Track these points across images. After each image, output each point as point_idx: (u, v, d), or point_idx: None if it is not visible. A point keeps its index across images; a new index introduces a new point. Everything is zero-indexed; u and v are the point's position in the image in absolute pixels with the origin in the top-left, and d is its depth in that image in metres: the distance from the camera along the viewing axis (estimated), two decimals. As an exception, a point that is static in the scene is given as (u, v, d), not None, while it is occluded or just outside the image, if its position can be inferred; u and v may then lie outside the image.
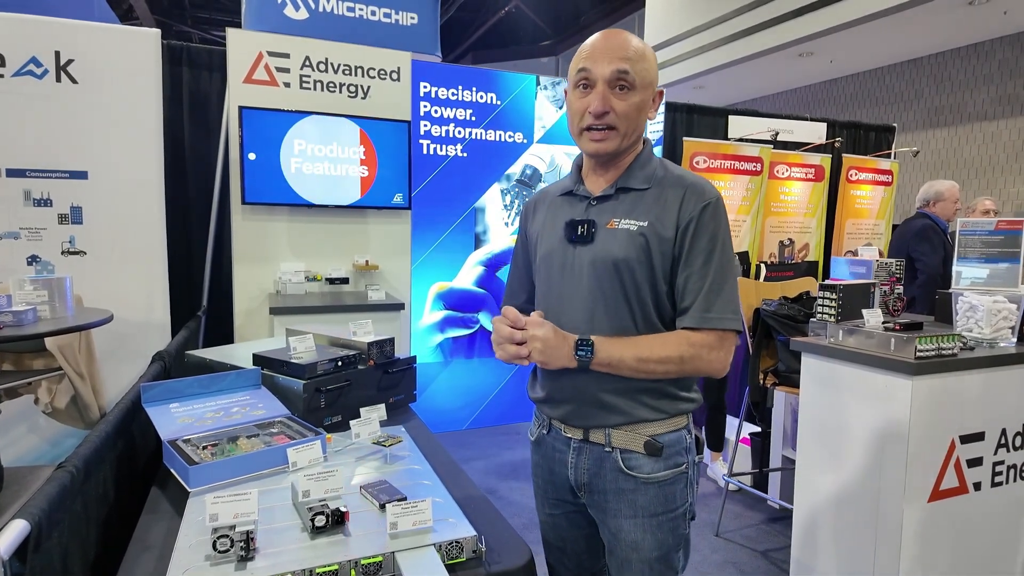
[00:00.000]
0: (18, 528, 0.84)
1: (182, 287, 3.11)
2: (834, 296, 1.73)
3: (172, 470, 1.32)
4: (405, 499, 1.15)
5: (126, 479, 1.41)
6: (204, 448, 1.35)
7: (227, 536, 0.96)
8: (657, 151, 1.37)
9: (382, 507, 1.12)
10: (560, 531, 1.26)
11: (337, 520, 1.06)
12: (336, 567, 0.95)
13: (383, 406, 1.63)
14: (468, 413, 3.71)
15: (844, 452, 1.70)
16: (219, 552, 0.96)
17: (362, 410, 1.58)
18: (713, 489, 2.87)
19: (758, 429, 2.96)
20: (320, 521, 1.04)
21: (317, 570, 0.94)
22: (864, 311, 1.72)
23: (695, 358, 1.11)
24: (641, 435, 1.14)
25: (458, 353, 3.69)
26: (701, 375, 1.16)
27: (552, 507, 1.27)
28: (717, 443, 3.07)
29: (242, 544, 0.96)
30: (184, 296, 3.13)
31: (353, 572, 0.96)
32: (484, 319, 3.73)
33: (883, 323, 1.72)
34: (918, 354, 1.56)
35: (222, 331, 3.08)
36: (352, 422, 1.45)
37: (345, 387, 1.71)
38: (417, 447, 1.46)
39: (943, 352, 1.58)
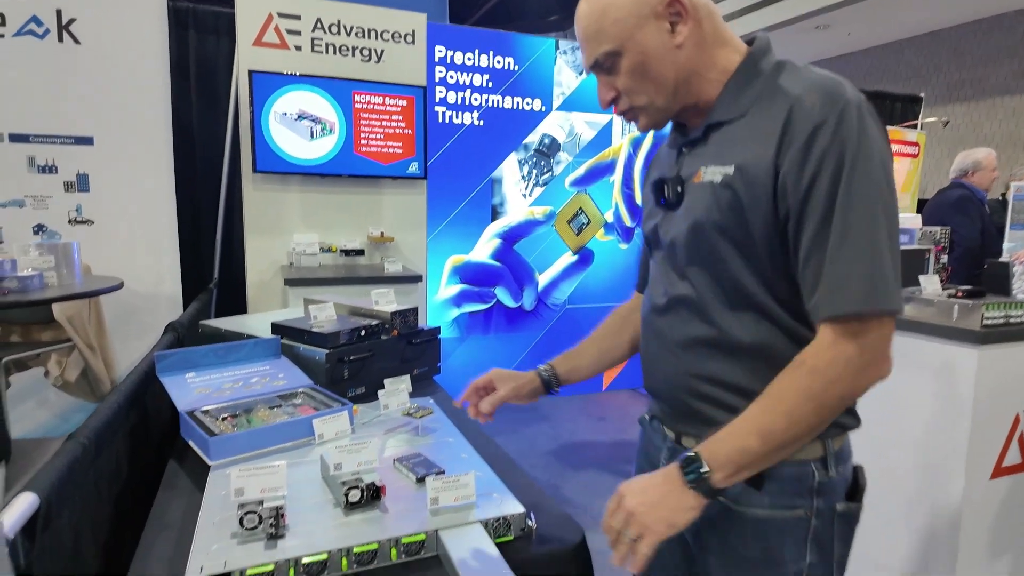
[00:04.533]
0: (26, 503, 0.75)
1: (192, 259, 3.02)
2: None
3: (190, 442, 1.23)
4: (443, 472, 1.07)
5: (141, 453, 1.33)
6: (223, 419, 1.27)
7: (254, 512, 0.88)
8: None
9: (419, 481, 1.04)
10: None
11: (372, 495, 0.97)
12: (375, 546, 0.86)
13: (408, 377, 1.54)
14: (484, 389, 3.64)
15: (900, 427, 1.61)
16: (246, 529, 0.87)
17: (387, 381, 1.49)
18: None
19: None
20: (354, 496, 0.95)
21: (355, 549, 0.85)
22: (921, 278, 1.61)
23: (836, 381, 0.72)
24: None
25: (475, 329, 3.60)
26: (863, 392, 0.76)
27: None
28: None
29: (272, 521, 0.87)
30: (194, 268, 3.04)
31: (394, 551, 0.87)
32: (501, 294, 3.63)
33: (942, 291, 1.61)
34: (985, 322, 1.45)
35: (235, 303, 3.00)
36: (380, 392, 1.36)
37: (368, 358, 1.62)
38: (449, 419, 1.37)
39: (1011, 320, 1.48)
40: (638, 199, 3.77)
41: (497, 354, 3.64)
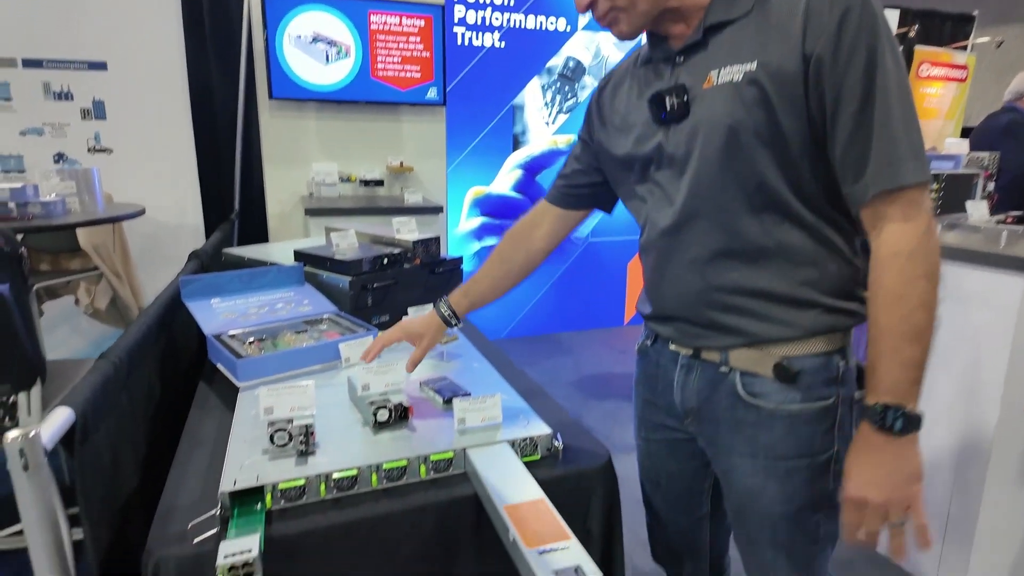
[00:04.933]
0: (62, 416, 0.76)
1: (213, 190, 3.01)
2: (936, 186, 1.53)
3: (219, 365, 1.25)
4: (469, 395, 1.06)
5: (171, 375, 1.35)
6: (250, 343, 1.28)
7: (284, 430, 0.89)
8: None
9: (446, 402, 1.04)
10: (657, 461, 1.03)
11: (400, 415, 0.97)
12: (404, 462, 0.87)
13: (431, 306, 1.53)
14: (505, 323, 3.65)
15: (938, 354, 1.57)
16: (277, 446, 0.88)
17: (410, 310, 1.48)
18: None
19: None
20: (383, 415, 0.96)
21: (385, 465, 0.86)
22: (967, 204, 1.53)
23: (933, 251, 0.73)
24: (771, 356, 0.83)
25: (495, 261, 3.58)
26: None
27: (651, 431, 1.03)
28: None
29: (301, 438, 0.88)
30: (215, 200, 3.03)
31: (423, 468, 0.88)
32: (522, 226, 3.57)
33: (989, 217, 1.53)
34: (1035, 249, 1.38)
35: (256, 234, 3.00)
36: (406, 319, 1.35)
37: (391, 286, 1.61)
38: (473, 346, 1.36)
39: (1062, 248, 1.40)
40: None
41: (518, 288, 3.62)
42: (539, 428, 0.95)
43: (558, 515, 0.73)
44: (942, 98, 4.76)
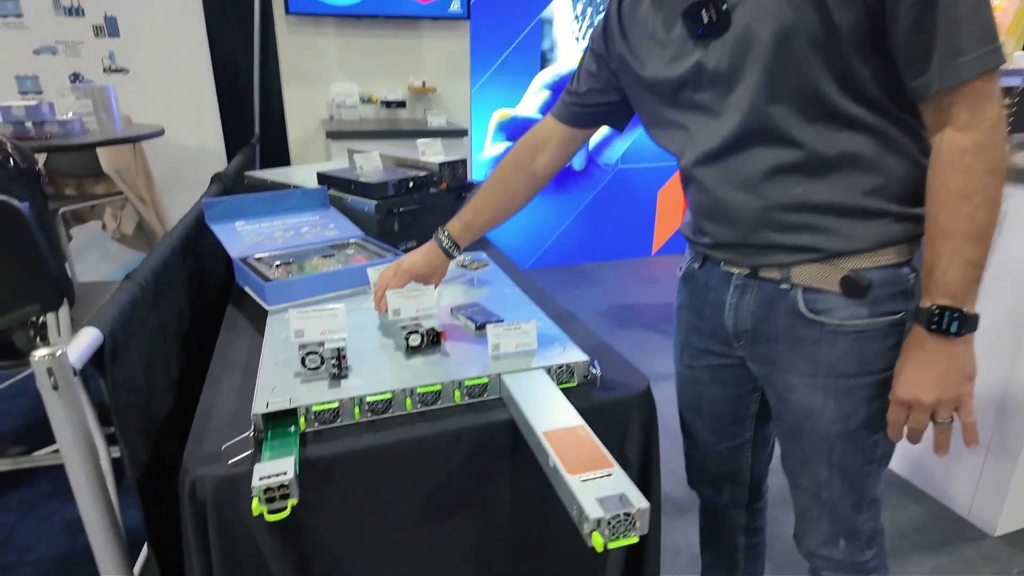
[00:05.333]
0: (90, 336, 0.75)
1: (232, 114, 2.93)
2: (1009, 101, 1.40)
3: (247, 288, 1.23)
4: (502, 321, 1.03)
5: (199, 299, 1.34)
6: (277, 267, 1.25)
7: (316, 353, 0.86)
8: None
9: (479, 328, 1.00)
10: (700, 387, 1.00)
11: (433, 340, 0.94)
12: (439, 387, 0.84)
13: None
14: (530, 252, 3.59)
15: (995, 290, 1.49)
16: (309, 369, 0.87)
17: (437, 234, 1.43)
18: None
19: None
20: (415, 340, 0.93)
21: (419, 389, 0.84)
22: (1042, 122, 1.39)
23: (1000, 144, 0.68)
24: (837, 270, 0.77)
25: (521, 188, 3.48)
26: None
27: (694, 357, 0.99)
28: None
29: (334, 361, 0.85)
30: (235, 124, 2.95)
31: (457, 393, 0.85)
32: (549, 152, 3.45)
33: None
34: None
35: (278, 158, 2.94)
36: (433, 243, 1.30)
37: (418, 211, 1.56)
38: (503, 272, 1.32)
39: None
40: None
41: (545, 216, 3.55)
42: (575, 355, 0.92)
43: (599, 442, 0.71)
44: (1005, 11, 4.36)
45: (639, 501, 0.60)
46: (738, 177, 0.79)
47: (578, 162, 3.48)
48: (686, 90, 0.81)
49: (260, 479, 0.65)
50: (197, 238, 1.36)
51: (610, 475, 0.65)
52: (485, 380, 0.86)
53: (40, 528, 1.55)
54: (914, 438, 0.77)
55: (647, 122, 0.92)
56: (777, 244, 0.79)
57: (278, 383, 0.85)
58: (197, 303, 1.31)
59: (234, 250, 1.29)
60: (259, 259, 1.28)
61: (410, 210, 1.53)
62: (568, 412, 0.78)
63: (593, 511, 0.59)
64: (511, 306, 1.12)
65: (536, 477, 0.87)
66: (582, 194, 3.58)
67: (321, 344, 0.88)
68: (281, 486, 0.65)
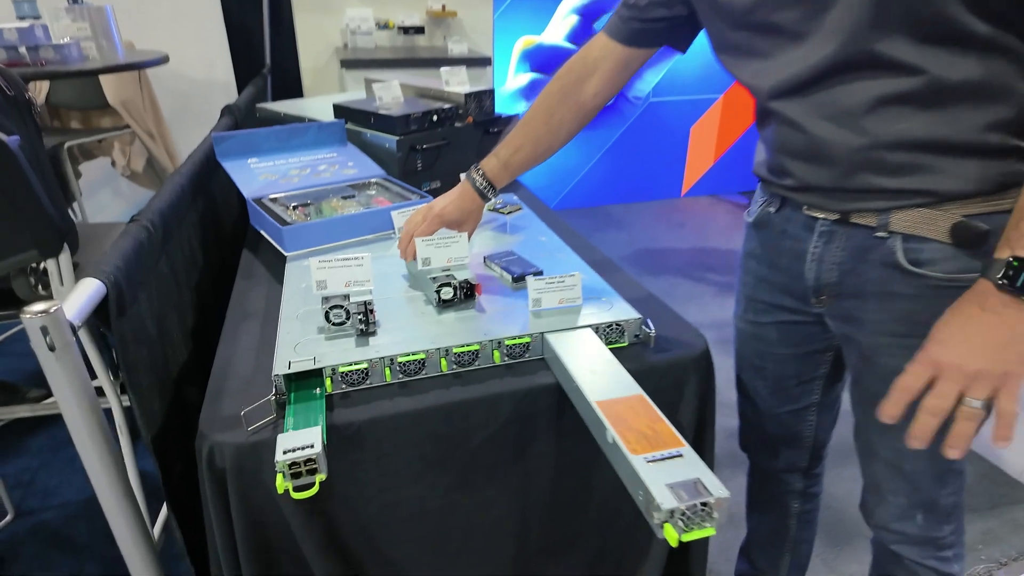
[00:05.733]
0: (91, 289, 0.67)
1: (241, 42, 2.76)
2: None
3: (263, 232, 1.14)
4: (541, 273, 0.94)
5: (212, 242, 1.26)
6: (294, 208, 1.15)
7: (341, 307, 0.78)
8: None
9: (516, 280, 0.91)
10: (764, 346, 0.91)
11: (467, 293, 0.85)
12: (477, 347, 0.76)
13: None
14: (553, 194, 3.45)
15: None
16: (333, 324, 0.79)
17: (464, 175, 1.32)
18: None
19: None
20: (447, 294, 0.84)
21: (455, 349, 0.75)
22: None
23: None
24: (947, 216, 0.66)
25: (545, 125, 3.30)
26: None
27: (760, 313, 0.89)
28: None
29: (361, 316, 0.77)
30: (244, 53, 2.79)
31: (496, 353, 0.77)
32: (575, 85, 3.24)
33: None
34: None
35: (290, 89, 2.79)
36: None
37: (443, 147, 1.44)
38: (537, 217, 1.21)
39: None
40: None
41: (569, 155, 3.38)
42: (625, 311, 0.83)
43: (663, 416, 0.62)
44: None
45: (718, 489, 0.52)
46: (833, 110, 0.67)
47: (606, 96, 3.28)
48: (764, 8, 0.67)
49: (285, 452, 0.58)
50: (208, 175, 1.26)
51: (681, 456, 0.57)
52: (527, 339, 0.78)
53: (64, 472, 1.54)
54: (924, 423, 0.61)
55: (715, 44, 0.79)
56: (877, 187, 0.68)
57: (300, 340, 0.77)
58: (211, 246, 1.23)
59: (248, 189, 1.19)
60: (274, 200, 1.18)
61: (434, 147, 1.41)
62: (623, 378, 0.70)
63: (665, 500, 0.51)
64: (549, 255, 1.02)
65: (580, 444, 0.80)
66: (610, 131, 3.39)
67: (346, 297, 0.79)
68: (308, 460, 0.58)
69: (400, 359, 0.74)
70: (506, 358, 0.78)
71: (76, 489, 1.49)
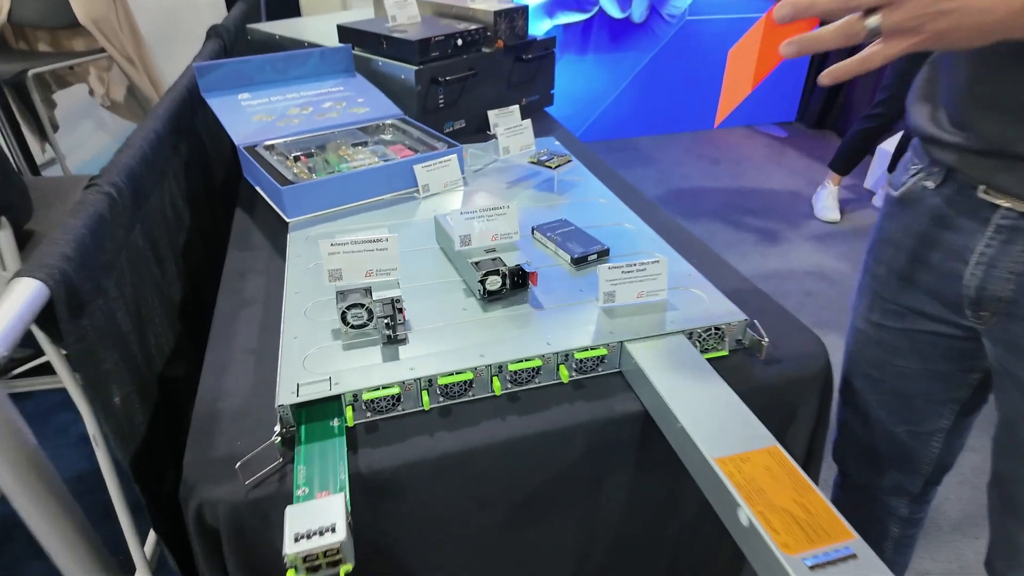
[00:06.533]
0: (25, 295, 0.49)
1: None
2: None
3: (259, 189, 0.94)
4: (607, 252, 0.75)
5: (203, 195, 1.06)
6: (296, 159, 0.95)
7: (362, 305, 0.60)
8: None
9: (577, 262, 0.73)
10: (888, 354, 0.72)
11: (518, 282, 0.67)
12: (539, 363, 0.59)
13: (518, 109, 1.15)
14: (577, 124, 3.17)
15: None
16: (352, 327, 0.61)
17: (492, 114, 1.11)
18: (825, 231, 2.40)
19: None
20: (494, 284, 0.66)
21: (511, 366, 0.58)
22: None
23: None
24: None
25: (569, 47, 2.98)
26: None
27: (890, 316, 0.70)
28: (847, 164, 2.34)
29: (387, 320, 0.59)
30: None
31: (563, 369, 0.60)
32: (604, 1, 2.90)
33: None
34: None
35: (285, 8, 2.48)
36: (497, 129, 0.98)
37: (469, 79, 1.21)
38: (590, 172, 1.01)
39: None
40: None
41: (594, 81, 3.08)
42: (726, 309, 0.65)
43: (811, 482, 0.46)
44: None
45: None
46: None
47: (638, 13, 2.94)
48: None
49: (296, 539, 0.42)
50: (191, 113, 1.05)
51: (854, 557, 0.40)
52: (602, 352, 0.60)
53: (58, 441, 1.43)
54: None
55: None
56: None
57: (310, 349, 0.60)
58: (200, 200, 1.04)
59: (239, 134, 0.99)
60: (271, 147, 0.98)
61: (458, 78, 1.19)
62: (744, 417, 0.53)
63: (850, 644, 0.35)
64: (613, 224, 0.83)
65: (665, 473, 0.64)
66: (640, 54, 3.07)
67: (367, 292, 0.61)
68: (328, 551, 0.42)
69: (441, 380, 0.57)
70: (575, 373, 0.61)
71: (72, 461, 1.38)
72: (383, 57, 1.18)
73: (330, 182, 0.86)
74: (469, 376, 0.57)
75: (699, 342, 0.63)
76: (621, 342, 0.61)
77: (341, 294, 0.61)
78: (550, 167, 0.94)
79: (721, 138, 3.24)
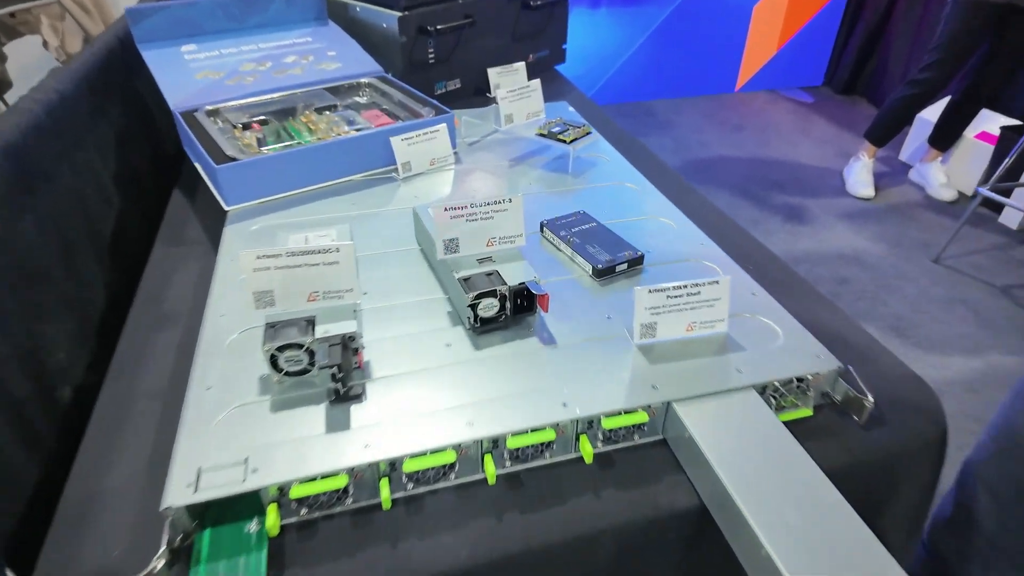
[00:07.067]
0: None
1: None
2: None
3: (198, 167, 0.75)
4: (641, 260, 0.56)
5: (148, 177, 0.87)
6: (245, 128, 0.76)
7: (301, 346, 0.42)
8: None
9: (599, 274, 0.55)
10: None
11: (522, 306, 0.49)
12: (551, 435, 0.41)
13: (523, 67, 0.95)
14: (588, 85, 2.93)
15: None
16: (285, 374, 0.43)
17: (493, 72, 0.92)
18: (919, 198, 2.20)
19: (1013, 122, 2.09)
20: (489, 309, 0.48)
21: (510, 442, 0.40)
22: None
23: None
24: None
25: (578, 1, 2.72)
26: None
27: None
28: (947, 139, 2.19)
29: (335, 368, 0.42)
30: None
31: (585, 444, 0.42)
32: (619, -53, 2.62)
33: None
34: None
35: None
36: (499, 92, 0.78)
37: (466, 29, 1.01)
38: (613, 147, 0.81)
39: None
40: None
41: (608, 39, 2.82)
42: (811, 352, 0.47)
43: None
44: None
45: None
46: None
47: (656, -37, 2.66)
48: None
49: None
50: (125, 70, 0.86)
51: None
52: (642, 418, 0.42)
53: None
54: None
55: None
56: None
57: (225, 409, 0.42)
58: (141, 182, 0.85)
59: (177, 96, 0.79)
60: (214, 113, 0.79)
61: (453, 28, 0.98)
62: (849, 523, 0.35)
63: None
64: (647, 219, 0.64)
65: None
66: (658, 8, 2.80)
67: (309, 324, 0.44)
68: None
69: (408, 466, 0.39)
70: (598, 443, 0.43)
71: None
72: (361, 1, 0.97)
73: (282, 159, 0.67)
74: (450, 458, 0.39)
75: (774, 397, 0.45)
76: (668, 402, 0.43)
77: (271, 328, 0.44)
78: (564, 141, 0.74)
79: (743, 103, 3.00)
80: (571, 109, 0.91)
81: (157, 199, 0.88)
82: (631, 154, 0.79)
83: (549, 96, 0.85)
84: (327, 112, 0.81)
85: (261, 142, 0.72)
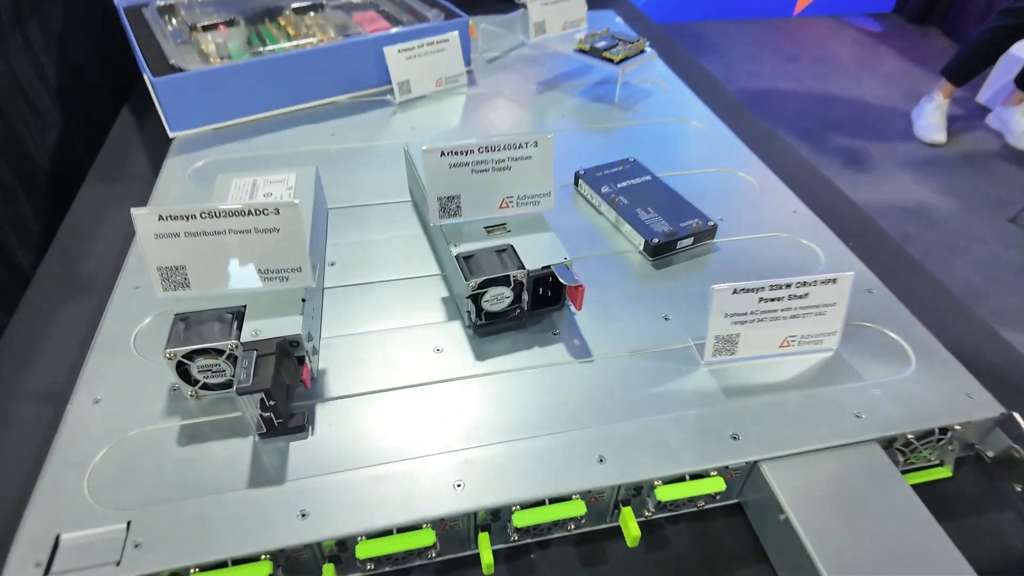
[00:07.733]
0: None
1: None
2: None
3: (146, 79, 0.60)
4: (712, 232, 0.41)
5: (100, 87, 0.72)
6: (207, 29, 0.60)
7: (221, 352, 0.29)
8: None
9: (656, 252, 0.40)
10: None
11: (546, 296, 0.35)
12: (581, 509, 0.28)
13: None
14: (626, 1, 2.63)
15: None
16: (202, 387, 0.30)
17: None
18: (996, 147, 1.95)
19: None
20: (498, 301, 0.34)
21: (516, 518, 0.27)
22: None
23: None
24: None
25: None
26: None
27: None
28: (967, 73, 1.92)
29: (261, 395, 0.28)
30: None
31: (628, 518, 0.29)
32: None
33: None
34: None
35: None
36: (528, -9, 0.60)
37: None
38: (673, 72, 0.64)
39: None
40: None
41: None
42: (957, 388, 0.32)
43: None
44: None
45: None
46: None
47: None
48: None
49: None
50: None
51: None
52: (717, 485, 0.29)
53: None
54: None
55: None
56: None
57: (118, 435, 0.29)
58: (91, 94, 0.70)
59: (124, -14, 0.63)
60: (168, 9, 0.62)
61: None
62: (947, 563, 0.22)
63: None
64: (720, 172, 0.48)
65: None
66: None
67: (236, 317, 0.30)
68: None
69: (363, 551, 0.26)
70: (647, 510, 0.30)
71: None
72: None
73: (240, 71, 0.52)
74: (428, 539, 0.26)
75: (901, 451, 0.31)
76: (754, 462, 0.29)
77: (181, 322, 0.30)
78: (611, 60, 0.57)
79: (801, 29, 2.68)
80: (619, 20, 0.72)
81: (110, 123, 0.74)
82: (698, 82, 0.61)
83: (593, 3, 0.67)
84: (311, 13, 0.64)
85: (222, 48, 0.57)
